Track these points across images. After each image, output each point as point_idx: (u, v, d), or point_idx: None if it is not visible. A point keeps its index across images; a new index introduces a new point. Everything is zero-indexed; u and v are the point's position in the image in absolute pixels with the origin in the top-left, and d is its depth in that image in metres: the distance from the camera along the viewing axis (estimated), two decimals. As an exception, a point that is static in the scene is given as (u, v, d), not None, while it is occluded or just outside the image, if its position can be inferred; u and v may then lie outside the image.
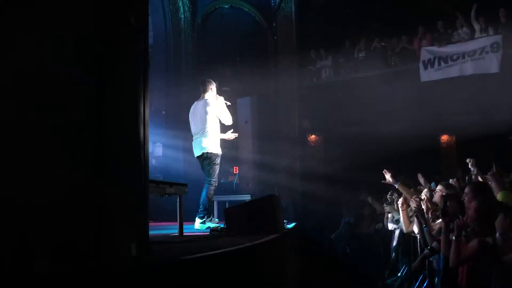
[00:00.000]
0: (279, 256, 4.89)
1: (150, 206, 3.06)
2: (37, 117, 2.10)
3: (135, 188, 2.73)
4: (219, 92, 6.27)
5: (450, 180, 6.41)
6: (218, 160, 5.86)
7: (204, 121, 5.84)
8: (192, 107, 6.10)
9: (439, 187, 5.22)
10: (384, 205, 7.34)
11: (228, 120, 5.98)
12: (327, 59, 13.38)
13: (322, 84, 13.26)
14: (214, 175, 5.86)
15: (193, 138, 6.00)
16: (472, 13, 10.79)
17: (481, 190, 3.94)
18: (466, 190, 4.06)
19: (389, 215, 7.18)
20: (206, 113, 5.84)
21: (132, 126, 2.72)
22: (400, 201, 5.88)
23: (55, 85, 2.18)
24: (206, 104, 5.89)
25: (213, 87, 6.02)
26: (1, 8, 2.09)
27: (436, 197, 5.04)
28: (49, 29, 2.20)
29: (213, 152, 5.83)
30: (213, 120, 5.86)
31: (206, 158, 5.83)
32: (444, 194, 4.83)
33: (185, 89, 12.56)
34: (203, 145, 5.81)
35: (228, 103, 6.09)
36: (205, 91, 5.99)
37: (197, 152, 5.93)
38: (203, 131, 5.84)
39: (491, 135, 9.53)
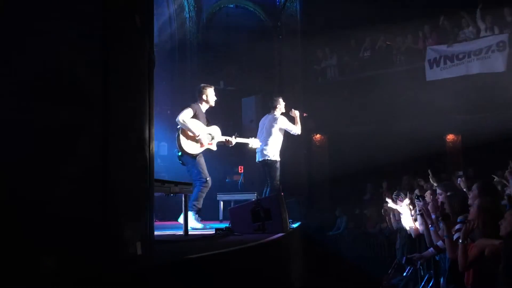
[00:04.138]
0: (284, 255, 4.89)
1: (155, 205, 3.06)
2: (42, 116, 2.11)
3: (140, 187, 2.74)
4: (224, 92, 6.46)
5: (458, 179, 6.38)
6: (277, 165, 6.77)
7: (269, 133, 6.82)
8: (262, 119, 7.13)
9: (438, 190, 5.17)
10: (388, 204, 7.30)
11: (296, 131, 6.89)
12: (332, 58, 13.36)
13: (327, 83, 13.25)
14: (276, 178, 6.71)
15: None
16: (477, 13, 10.76)
17: (487, 189, 3.92)
18: (473, 188, 4.03)
19: (391, 215, 7.15)
20: (271, 126, 6.83)
21: (137, 125, 2.73)
22: (406, 206, 5.87)
23: (60, 84, 2.19)
24: (272, 119, 6.89)
25: (279, 103, 6.98)
26: (7, 10, 2.09)
27: (441, 200, 4.99)
28: (55, 29, 2.20)
29: (272, 159, 6.73)
30: (276, 133, 6.82)
31: (266, 165, 6.77)
32: (445, 195, 4.79)
33: (190, 89, 12.59)
34: (265, 152, 6.75)
35: (305, 114, 7.27)
36: (274, 107, 6.97)
37: (259, 158, 6.88)
38: (266, 141, 6.76)
39: (497, 134, 9.49)
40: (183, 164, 5.95)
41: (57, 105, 2.15)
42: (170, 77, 11.91)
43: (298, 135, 7.04)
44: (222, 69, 12.04)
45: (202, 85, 6.19)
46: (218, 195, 8.30)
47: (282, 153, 6.98)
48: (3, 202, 1.96)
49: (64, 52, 2.20)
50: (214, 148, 6.05)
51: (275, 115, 6.91)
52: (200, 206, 5.89)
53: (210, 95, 6.11)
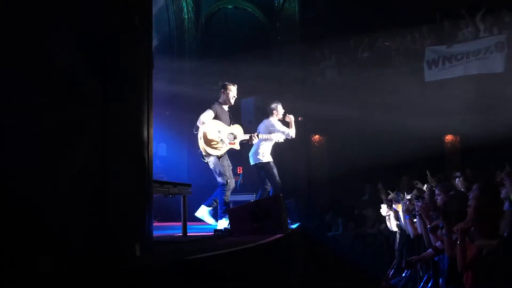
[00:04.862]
0: (283, 256, 4.88)
1: (154, 206, 3.06)
2: (41, 116, 2.10)
3: (139, 188, 2.74)
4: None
5: (457, 180, 6.38)
6: (271, 164, 6.76)
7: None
8: (260, 124, 7.13)
9: (437, 191, 5.18)
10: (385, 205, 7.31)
11: (290, 135, 6.87)
12: (331, 59, 13.36)
13: (326, 84, 13.24)
14: (275, 178, 6.69)
15: (252, 147, 6.91)
16: (478, 15, 10.78)
17: (486, 189, 3.91)
18: (473, 188, 4.02)
19: (391, 216, 7.15)
20: (266, 130, 6.83)
21: (136, 126, 2.73)
22: (403, 207, 5.88)
23: (59, 85, 2.18)
24: (269, 124, 6.93)
25: (277, 109, 7.01)
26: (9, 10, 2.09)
27: (440, 200, 5.00)
28: (56, 30, 2.20)
29: (264, 161, 6.73)
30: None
31: (261, 168, 6.76)
32: (444, 195, 4.79)
33: (189, 90, 12.58)
34: (258, 156, 6.75)
35: (300, 118, 7.22)
36: (271, 113, 7.00)
37: (252, 162, 6.87)
38: (258, 145, 6.77)
39: (496, 135, 9.49)
40: (208, 164, 6.02)
41: (57, 106, 2.15)
42: (169, 77, 11.90)
43: (293, 138, 7.04)
44: (221, 69, 12.03)
45: (225, 83, 6.24)
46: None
47: (281, 154, 7.00)
48: (3, 203, 1.96)
49: (63, 53, 2.20)
50: (237, 147, 6.12)
51: (270, 120, 6.97)
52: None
53: (232, 93, 6.14)
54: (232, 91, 6.17)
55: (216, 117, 5.92)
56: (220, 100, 6.14)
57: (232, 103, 6.23)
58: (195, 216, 6.20)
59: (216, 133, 5.83)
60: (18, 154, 2.04)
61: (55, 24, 2.19)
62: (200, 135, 5.87)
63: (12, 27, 2.09)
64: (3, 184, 1.97)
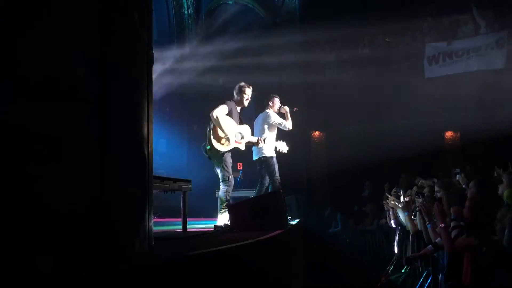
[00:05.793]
0: (283, 252, 4.89)
1: (154, 202, 3.06)
2: (41, 116, 2.10)
3: (140, 184, 2.74)
4: (223, 90, 6.45)
5: (458, 176, 6.38)
6: (274, 160, 6.70)
7: (262, 131, 6.74)
8: (256, 118, 7.04)
9: (436, 187, 5.18)
10: (386, 202, 7.30)
11: (287, 125, 6.85)
12: (331, 55, 13.35)
13: (326, 80, 13.23)
14: (275, 174, 6.64)
15: None
16: (474, 11, 10.77)
17: (483, 187, 3.92)
18: (470, 185, 4.04)
19: (391, 212, 7.16)
20: (264, 123, 6.79)
21: (136, 123, 2.73)
22: (402, 203, 5.88)
23: (58, 82, 2.18)
24: (264, 116, 6.87)
25: (274, 101, 6.97)
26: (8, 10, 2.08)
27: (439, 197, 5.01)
28: (55, 28, 2.20)
29: (267, 155, 6.65)
30: (269, 130, 6.78)
31: (263, 162, 6.69)
32: (443, 192, 4.80)
33: (189, 86, 12.56)
34: (262, 150, 6.64)
35: (295, 109, 7.17)
36: (267, 105, 6.95)
37: (255, 156, 6.79)
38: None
39: (496, 131, 9.49)
40: (209, 158, 5.99)
41: (56, 103, 2.14)
42: (169, 73, 11.88)
43: (290, 130, 6.99)
44: (221, 66, 12.02)
45: (242, 84, 6.22)
46: (216, 192, 8.30)
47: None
48: (2, 202, 1.96)
49: (61, 51, 2.19)
50: (242, 147, 6.10)
51: (267, 112, 6.92)
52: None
53: (247, 95, 6.17)
54: (247, 93, 6.18)
55: (228, 114, 5.93)
56: (234, 99, 6.15)
57: (246, 106, 6.25)
58: (194, 212, 6.20)
59: (226, 129, 5.84)
60: (18, 153, 2.04)
61: (52, 21, 2.19)
62: (210, 127, 5.87)
63: (10, 27, 2.08)
64: (3, 183, 1.97)
